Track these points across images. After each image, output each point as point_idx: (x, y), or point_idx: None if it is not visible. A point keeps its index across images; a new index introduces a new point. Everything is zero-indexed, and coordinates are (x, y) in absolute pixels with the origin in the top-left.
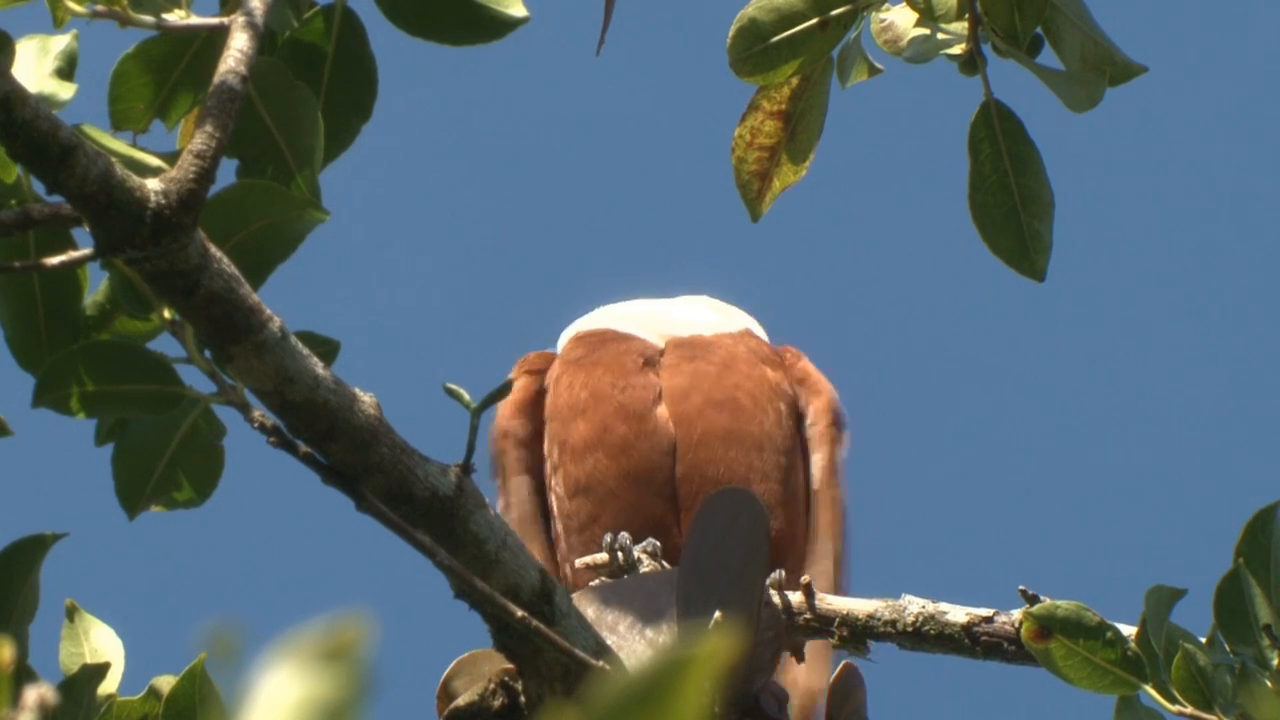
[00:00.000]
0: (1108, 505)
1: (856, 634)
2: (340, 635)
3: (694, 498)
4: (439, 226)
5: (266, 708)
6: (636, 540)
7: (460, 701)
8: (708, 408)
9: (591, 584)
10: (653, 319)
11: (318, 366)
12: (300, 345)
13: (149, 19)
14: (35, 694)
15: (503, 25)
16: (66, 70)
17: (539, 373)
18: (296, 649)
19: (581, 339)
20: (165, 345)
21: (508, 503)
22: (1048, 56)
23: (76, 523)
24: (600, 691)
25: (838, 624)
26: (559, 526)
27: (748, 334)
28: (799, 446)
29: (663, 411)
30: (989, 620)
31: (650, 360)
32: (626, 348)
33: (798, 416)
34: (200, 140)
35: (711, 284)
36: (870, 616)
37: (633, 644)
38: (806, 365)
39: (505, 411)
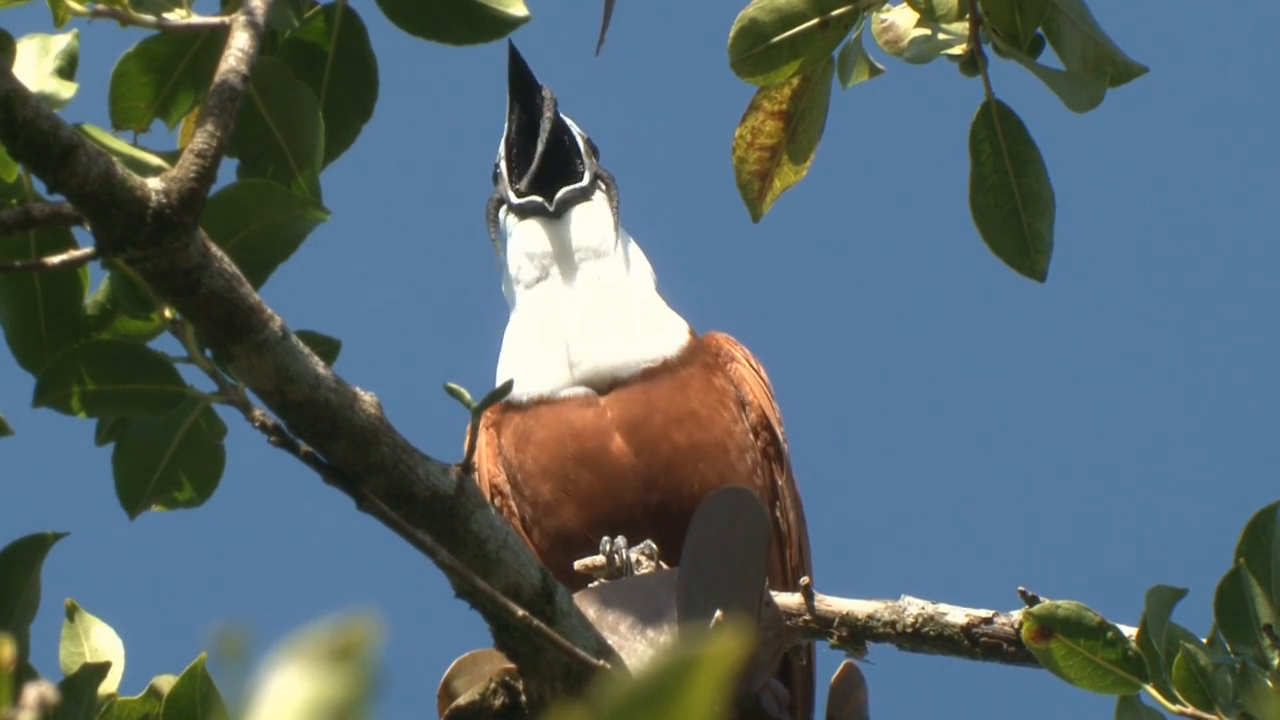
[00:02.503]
0: (1108, 505)
1: (855, 635)
2: (348, 635)
3: (673, 524)
4: (440, 226)
5: (274, 708)
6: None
7: (461, 701)
8: (669, 428)
9: (592, 584)
10: (589, 344)
11: (318, 366)
12: (301, 344)
13: (150, 18)
14: (36, 692)
15: (503, 24)
16: (67, 69)
17: (496, 424)
18: (304, 649)
19: (519, 411)
20: (166, 345)
21: None
22: (1049, 57)
23: (77, 522)
24: (608, 691)
25: (837, 625)
26: None
27: (690, 347)
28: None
29: (618, 443)
30: (988, 621)
31: (591, 401)
32: (562, 408)
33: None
34: (201, 139)
35: (713, 284)
36: (869, 617)
37: (634, 644)
38: (739, 368)
39: (490, 469)
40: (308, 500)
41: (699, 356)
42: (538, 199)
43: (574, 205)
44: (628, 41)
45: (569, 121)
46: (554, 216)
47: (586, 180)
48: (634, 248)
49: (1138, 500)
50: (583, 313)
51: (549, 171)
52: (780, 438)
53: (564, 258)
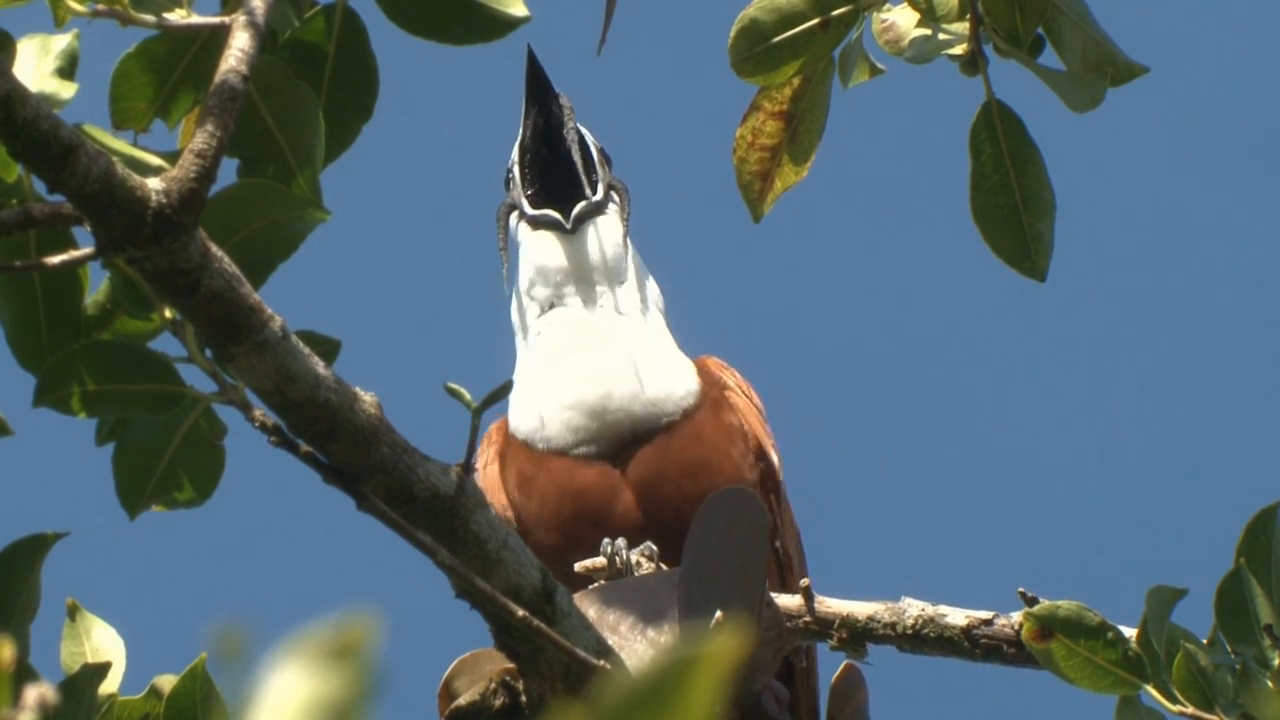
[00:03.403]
0: (1108, 505)
1: (856, 636)
2: (347, 634)
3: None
4: (440, 226)
5: (274, 707)
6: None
7: (461, 701)
8: (682, 480)
9: (592, 585)
10: (607, 395)
11: (318, 366)
12: (301, 344)
13: (150, 18)
14: (36, 693)
15: (504, 24)
16: (67, 69)
17: (503, 455)
18: (304, 648)
19: (527, 454)
20: (166, 345)
21: None
22: (1049, 57)
23: (77, 522)
24: (608, 691)
25: (837, 626)
26: None
27: (701, 390)
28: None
29: (627, 500)
30: (989, 623)
31: (602, 462)
32: (570, 461)
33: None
34: (201, 139)
35: (714, 284)
36: (870, 619)
37: (634, 644)
38: (734, 396)
39: (498, 499)
40: (308, 500)
41: (709, 395)
42: (554, 215)
43: (589, 220)
44: (629, 41)
45: (584, 130)
46: (569, 232)
47: (600, 194)
48: (648, 275)
49: (1138, 500)
50: (601, 359)
51: (566, 182)
52: (775, 467)
53: (579, 279)
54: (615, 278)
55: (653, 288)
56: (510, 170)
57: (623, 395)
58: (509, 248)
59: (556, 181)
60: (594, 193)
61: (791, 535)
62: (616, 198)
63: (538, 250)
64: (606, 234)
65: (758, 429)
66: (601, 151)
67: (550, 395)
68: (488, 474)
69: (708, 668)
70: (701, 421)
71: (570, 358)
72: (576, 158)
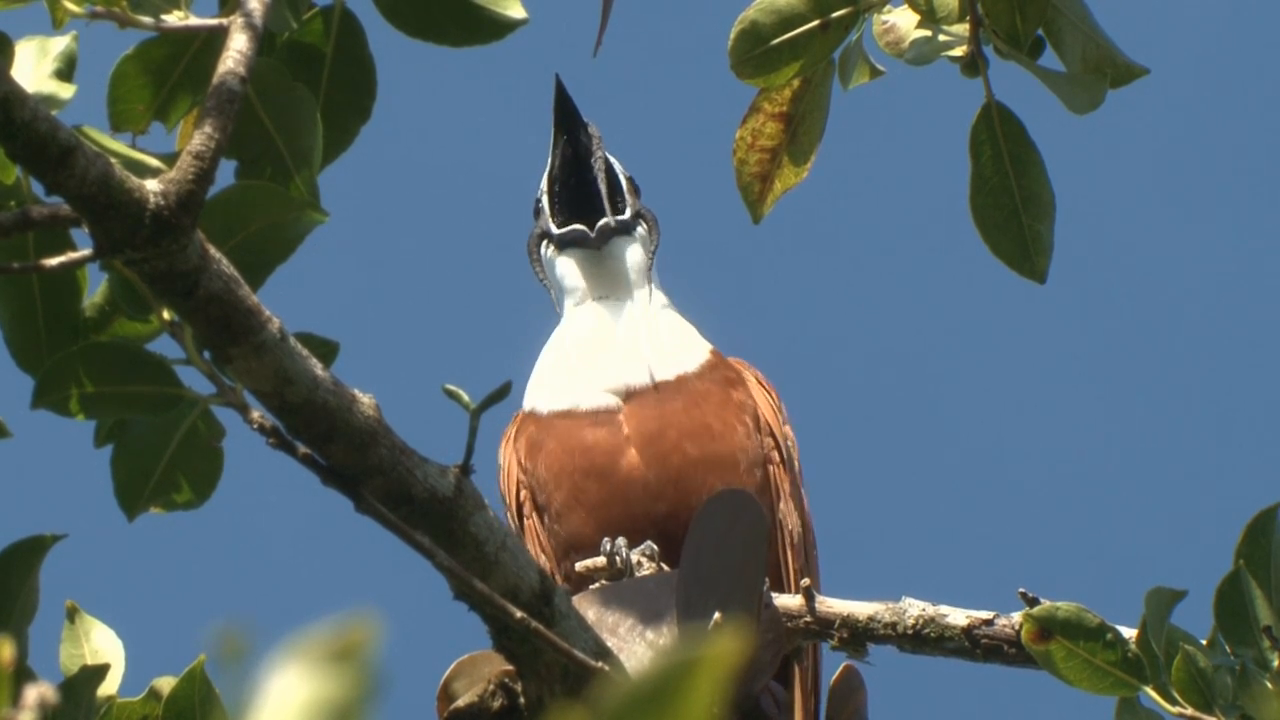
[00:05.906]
0: (1108, 506)
1: (856, 636)
2: (347, 636)
3: (682, 530)
4: (439, 227)
5: (274, 707)
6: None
7: (460, 703)
8: (682, 441)
9: (592, 586)
10: (610, 361)
11: (317, 368)
12: (299, 346)
13: (148, 20)
14: (36, 692)
15: (502, 26)
16: (65, 71)
17: (515, 435)
18: (304, 649)
19: (535, 421)
20: (164, 346)
21: None
22: (1049, 58)
23: (76, 524)
24: (607, 693)
25: (838, 626)
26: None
27: (710, 364)
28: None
29: (631, 457)
30: (989, 623)
31: (607, 418)
32: (576, 423)
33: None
34: (199, 141)
35: (713, 285)
36: (870, 619)
37: (633, 646)
38: (754, 387)
39: (512, 486)
40: (306, 502)
41: (719, 372)
42: (580, 228)
43: (614, 237)
44: (627, 43)
45: (612, 159)
46: (594, 247)
47: (628, 215)
48: (662, 294)
49: (1137, 502)
50: (611, 334)
51: (594, 209)
52: (790, 448)
53: (602, 286)
54: (635, 286)
55: (666, 302)
56: (539, 200)
57: (619, 356)
58: (548, 275)
59: (585, 209)
60: (622, 215)
61: (803, 520)
62: (645, 226)
63: (564, 269)
64: (631, 251)
65: (772, 419)
66: (630, 180)
67: (553, 368)
68: (502, 454)
69: (707, 670)
70: (706, 391)
71: (577, 338)
72: (602, 185)
